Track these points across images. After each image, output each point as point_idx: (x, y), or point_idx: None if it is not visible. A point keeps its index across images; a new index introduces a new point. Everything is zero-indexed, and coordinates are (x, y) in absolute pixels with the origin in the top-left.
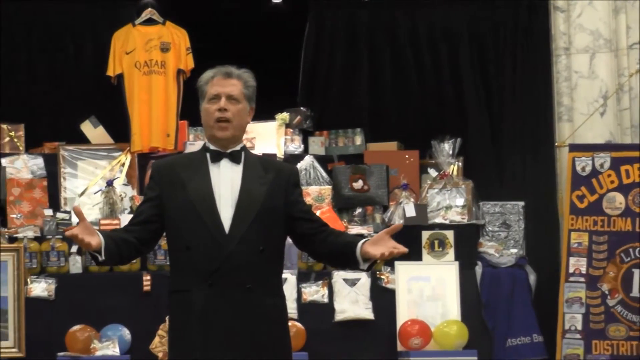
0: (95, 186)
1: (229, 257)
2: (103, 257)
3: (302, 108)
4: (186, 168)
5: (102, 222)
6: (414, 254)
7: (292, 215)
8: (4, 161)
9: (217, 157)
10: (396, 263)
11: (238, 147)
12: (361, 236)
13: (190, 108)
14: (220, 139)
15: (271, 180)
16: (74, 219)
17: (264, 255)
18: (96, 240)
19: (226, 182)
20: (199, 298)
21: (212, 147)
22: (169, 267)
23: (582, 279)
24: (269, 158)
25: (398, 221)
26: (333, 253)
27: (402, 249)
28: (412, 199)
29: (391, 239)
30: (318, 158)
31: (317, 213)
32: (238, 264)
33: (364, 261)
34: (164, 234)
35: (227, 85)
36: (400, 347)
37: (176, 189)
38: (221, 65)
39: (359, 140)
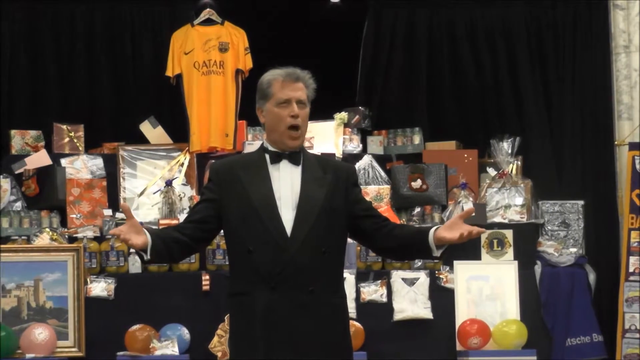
0: (154, 186)
1: (292, 260)
2: (148, 257)
3: (360, 107)
4: (245, 169)
5: (161, 222)
6: (472, 253)
7: (355, 214)
8: (64, 161)
9: (276, 159)
10: (455, 262)
11: (297, 148)
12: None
13: (248, 108)
14: (291, 147)
15: (330, 181)
16: None
17: (326, 257)
18: (142, 239)
19: (286, 184)
20: (261, 301)
21: (270, 147)
22: (228, 269)
23: None
24: (326, 157)
25: None
26: (401, 245)
27: (479, 229)
28: (470, 198)
29: (465, 224)
30: (376, 157)
31: None
32: (300, 267)
33: (437, 248)
34: (219, 234)
35: (297, 90)
36: (459, 347)
37: (236, 192)
38: (284, 67)
39: (417, 139)
